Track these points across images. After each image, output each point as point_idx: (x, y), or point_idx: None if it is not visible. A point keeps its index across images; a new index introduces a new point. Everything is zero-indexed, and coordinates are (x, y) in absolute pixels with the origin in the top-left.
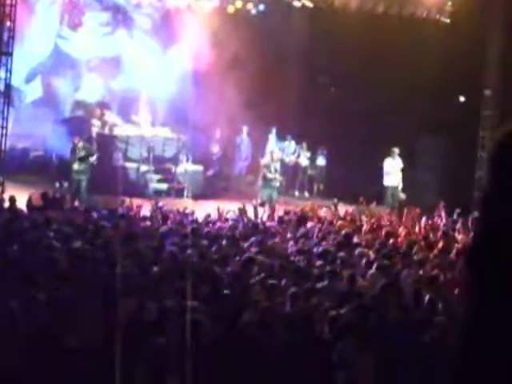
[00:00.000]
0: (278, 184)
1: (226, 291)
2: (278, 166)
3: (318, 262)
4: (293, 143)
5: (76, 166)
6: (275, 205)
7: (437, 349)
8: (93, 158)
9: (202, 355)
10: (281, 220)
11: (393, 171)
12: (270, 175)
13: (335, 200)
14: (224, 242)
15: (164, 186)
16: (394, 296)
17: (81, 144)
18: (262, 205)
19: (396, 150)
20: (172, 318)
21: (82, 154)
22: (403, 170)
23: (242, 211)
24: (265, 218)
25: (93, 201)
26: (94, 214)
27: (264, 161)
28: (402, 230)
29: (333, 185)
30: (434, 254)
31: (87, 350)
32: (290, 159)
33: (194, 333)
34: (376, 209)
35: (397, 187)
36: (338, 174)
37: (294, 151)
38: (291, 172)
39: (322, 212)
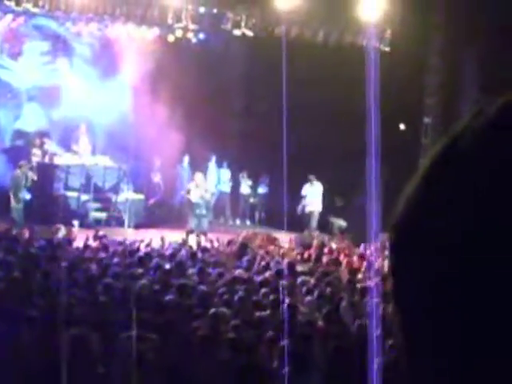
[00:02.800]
0: (203, 211)
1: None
2: (202, 192)
3: (262, 291)
4: (228, 171)
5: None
6: (206, 232)
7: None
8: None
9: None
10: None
11: (312, 197)
12: (194, 200)
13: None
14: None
15: (103, 215)
16: (336, 324)
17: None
18: (191, 232)
19: (312, 178)
20: (117, 347)
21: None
22: (344, 197)
23: (184, 240)
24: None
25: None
26: (35, 244)
27: (188, 187)
28: (343, 258)
29: (275, 213)
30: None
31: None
32: (225, 187)
33: (140, 362)
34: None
35: (314, 212)
36: (279, 202)
37: (230, 179)
38: (231, 200)
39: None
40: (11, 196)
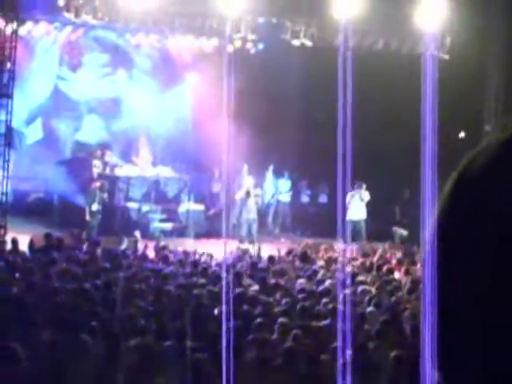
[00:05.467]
0: (253, 222)
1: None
2: (252, 203)
3: (323, 300)
4: (289, 181)
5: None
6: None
7: None
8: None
9: None
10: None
11: (355, 205)
12: (243, 212)
13: (338, 239)
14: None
15: (168, 226)
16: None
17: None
18: (241, 242)
19: (360, 184)
20: (176, 359)
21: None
22: (404, 206)
23: (245, 250)
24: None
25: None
26: (99, 253)
27: (237, 196)
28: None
29: (335, 223)
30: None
31: None
32: (286, 197)
33: (200, 374)
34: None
35: (359, 221)
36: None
37: (290, 189)
38: (291, 210)
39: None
40: (87, 210)
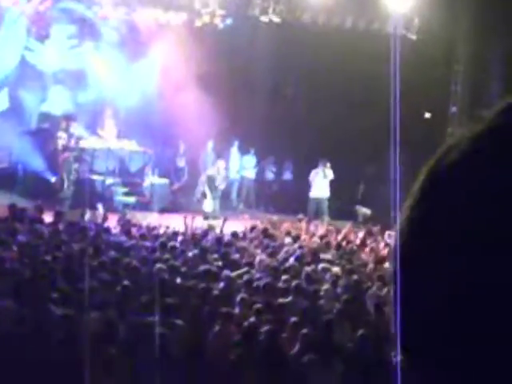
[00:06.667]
0: (218, 198)
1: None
2: (221, 179)
3: (284, 277)
4: (254, 157)
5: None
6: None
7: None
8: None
9: (172, 370)
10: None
11: (319, 182)
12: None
13: (300, 215)
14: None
15: (131, 199)
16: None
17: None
18: (206, 218)
19: (324, 162)
20: (141, 333)
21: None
22: (367, 185)
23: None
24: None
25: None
26: (60, 227)
27: (209, 172)
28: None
29: (299, 200)
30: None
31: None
32: (251, 174)
33: (164, 347)
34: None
35: (322, 199)
36: (303, 189)
37: (256, 165)
38: (256, 187)
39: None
40: (65, 179)
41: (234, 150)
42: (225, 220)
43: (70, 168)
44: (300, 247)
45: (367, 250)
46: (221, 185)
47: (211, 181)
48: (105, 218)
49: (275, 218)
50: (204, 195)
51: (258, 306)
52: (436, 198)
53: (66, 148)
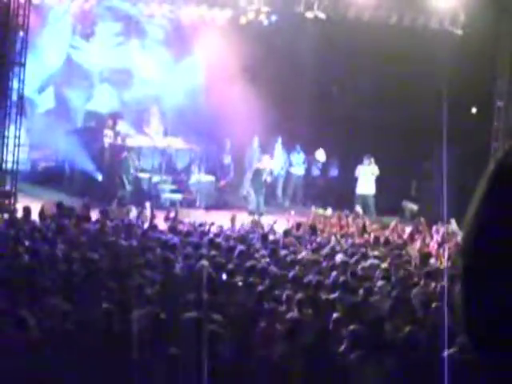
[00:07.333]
0: (263, 195)
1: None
2: (266, 175)
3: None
4: (302, 154)
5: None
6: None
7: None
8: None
9: (220, 367)
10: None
11: (365, 179)
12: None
13: (346, 211)
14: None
15: (178, 197)
16: (406, 309)
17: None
18: (252, 213)
19: (369, 158)
20: (188, 329)
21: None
22: (417, 181)
23: (255, 222)
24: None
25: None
26: (109, 224)
27: (256, 166)
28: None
29: (345, 195)
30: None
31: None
32: (299, 170)
33: (213, 344)
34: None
35: (368, 195)
36: (349, 185)
37: (304, 162)
38: (303, 183)
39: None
40: (124, 178)
41: (279, 147)
42: (274, 222)
43: (127, 166)
44: (350, 244)
45: (415, 245)
46: (267, 179)
47: (258, 175)
48: (152, 216)
49: (322, 214)
50: (248, 193)
51: (300, 298)
52: (505, 194)
53: (111, 146)
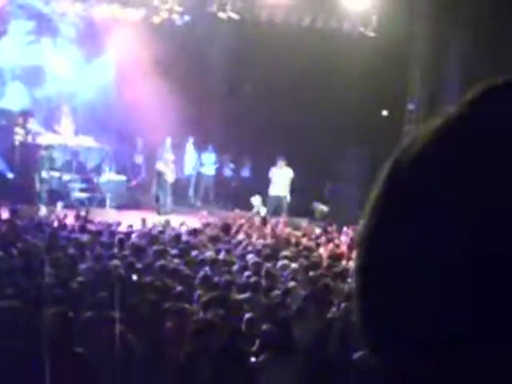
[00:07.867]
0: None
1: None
2: (169, 173)
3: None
4: (213, 154)
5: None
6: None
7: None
8: None
9: (129, 366)
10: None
11: (279, 181)
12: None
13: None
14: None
15: (87, 196)
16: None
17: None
18: (160, 214)
19: (282, 159)
20: (95, 329)
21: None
22: (331, 183)
23: (165, 222)
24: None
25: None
26: (18, 223)
27: (158, 167)
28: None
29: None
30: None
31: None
32: (210, 170)
33: (122, 344)
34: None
35: (282, 197)
36: (261, 186)
37: (215, 162)
38: (214, 184)
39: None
40: (36, 178)
41: (190, 147)
42: (181, 224)
43: (44, 165)
44: (261, 244)
45: (324, 247)
46: (169, 178)
47: (161, 175)
48: (63, 215)
49: (233, 214)
50: (157, 197)
51: (210, 298)
52: (398, 194)
53: (22, 144)
